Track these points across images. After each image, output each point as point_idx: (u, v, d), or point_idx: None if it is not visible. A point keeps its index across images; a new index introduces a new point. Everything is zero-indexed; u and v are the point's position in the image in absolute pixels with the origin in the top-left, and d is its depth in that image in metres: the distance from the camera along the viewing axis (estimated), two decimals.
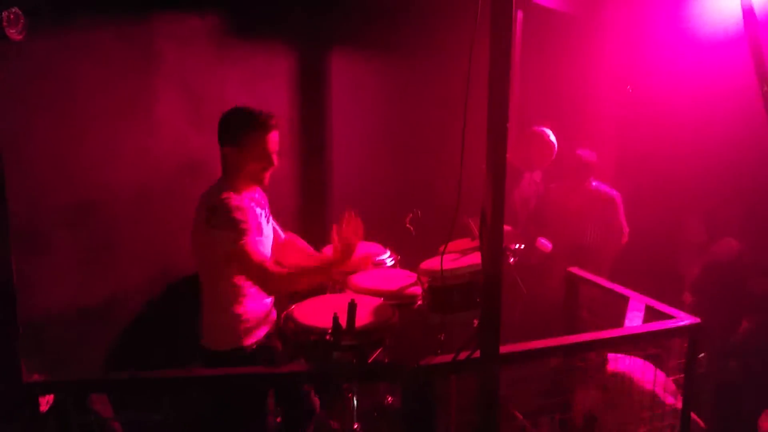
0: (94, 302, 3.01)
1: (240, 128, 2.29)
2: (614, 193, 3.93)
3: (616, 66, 5.27)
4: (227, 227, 2.15)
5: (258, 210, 2.39)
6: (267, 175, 2.36)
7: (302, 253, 2.67)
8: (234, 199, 2.23)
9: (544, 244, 3.53)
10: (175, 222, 3.27)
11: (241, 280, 2.27)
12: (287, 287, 2.30)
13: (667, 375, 2.28)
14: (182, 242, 3.29)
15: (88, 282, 3.00)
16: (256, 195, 2.45)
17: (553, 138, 3.90)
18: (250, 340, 2.32)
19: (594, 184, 3.91)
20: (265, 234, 2.38)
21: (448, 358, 1.85)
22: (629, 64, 5.22)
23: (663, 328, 2.20)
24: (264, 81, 3.69)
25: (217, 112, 3.22)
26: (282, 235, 2.68)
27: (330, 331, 1.90)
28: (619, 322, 2.39)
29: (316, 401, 2.58)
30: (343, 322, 1.90)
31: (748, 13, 1.09)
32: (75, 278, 2.94)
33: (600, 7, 5.08)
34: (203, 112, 3.37)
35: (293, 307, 2.33)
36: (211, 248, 2.20)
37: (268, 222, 2.46)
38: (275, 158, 2.34)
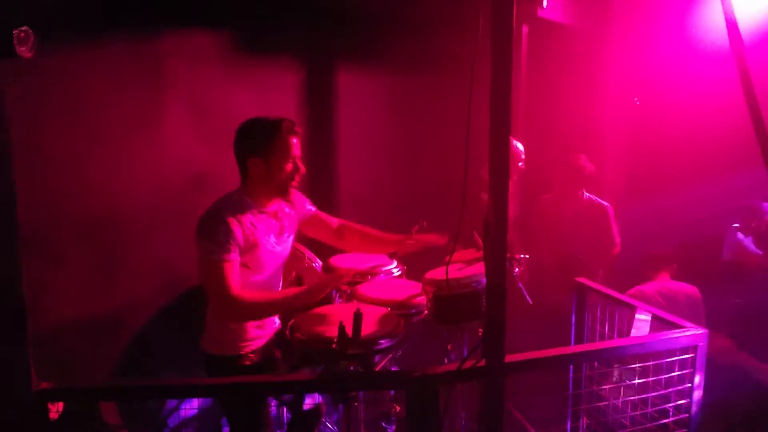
0: (104, 312, 3.05)
1: (266, 137, 2.24)
2: (606, 204, 3.96)
3: (622, 79, 5.28)
4: (208, 239, 2.13)
5: (271, 223, 2.35)
6: (295, 184, 2.32)
7: (362, 234, 2.69)
8: (226, 213, 2.19)
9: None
10: (183, 235, 3.30)
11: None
12: (249, 316, 2.24)
13: (672, 384, 2.26)
14: (190, 254, 3.33)
15: (98, 293, 3.04)
16: (275, 207, 2.40)
17: (519, 146, 3.91)
18: (247, 349, 2.32)
19: (586, 195, 3.95)
20: (271, 249, 2.34)
21: (453, 366, 1.85)
22: (636, 76, 5.23)
23: (670, 337, 2.20)
24: (272, 95, 3.74)
25: (225, 127, 3.26)
26: (333, 222, 2.69)
27: (336, 339, 1.91)
28: (623, 333, 2.39)
29: (322, 410, 2.58)
30: (349, 331, 1.91)
31: (731, 25, 1.10)
32: (85, 289, 2.97)
33: (606, 21, 5.11)
34: (211, 127, 3.42)
35: (299, 316, 2.34)
36: (199, 261, 2.19)
37: (282, 236, 2.41)
38: (301, 164, 2.30)
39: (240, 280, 2.17)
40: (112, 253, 3.09)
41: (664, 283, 3.66)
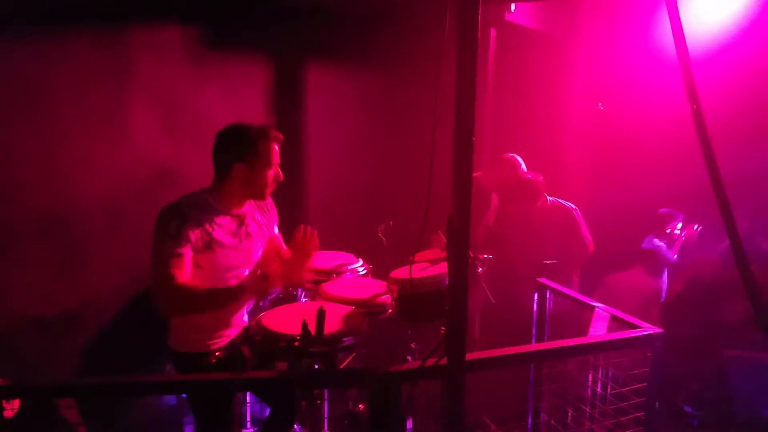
0: (65, 309, 3.00)
1: (251, 143, 2.24)
2: (571, 206, 3.99)
3: (587, 84, 5.40)
4: (162, 231, 2.12)
5: (233, 227, 2.32)
6: (268, 191, 2.32)
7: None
8: (184, 209, 2.17)
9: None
10: (146, 231, 3.26)
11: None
12: (187, 306, 2.17)
13: (630, 383, 2.33)
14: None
15: (59, 289, 2.98)
16: (242, 211, 2.37)
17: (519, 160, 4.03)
18: (214, 346, 2.31)
19: (550, 199, 3.98)
20: (227, 252, 2.28)
21: (415, 364, 1.87)
22: (600, 82, 5.35)
23: (626, 336, 2.26)
24: (240, 91, 3.72)
25: (193, 122, 3.23)
26: (284, 248, 2.61)
27: (298, 337, 1.92)
28: (585, 332, 2.44)
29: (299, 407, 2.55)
30: (312, 329, 1.92)
31: (677, 30, 1.14)
32: (46, 285, 2.92)
33: (572, 27, 5.21)
34: (178, 123, 3.38)
35: (262, 314, 2.34)
36: (151, 250, 2.17)
37: (244, 240, 2.37)
38: (280, 171, 2.32)
39: (189, 276, 2.14)
40: (74, 250, 3.03)
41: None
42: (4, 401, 1.67)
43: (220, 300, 2.21)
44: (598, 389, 2.42)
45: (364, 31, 4.15)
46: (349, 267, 2.96)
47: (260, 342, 2.15)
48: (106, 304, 3.20)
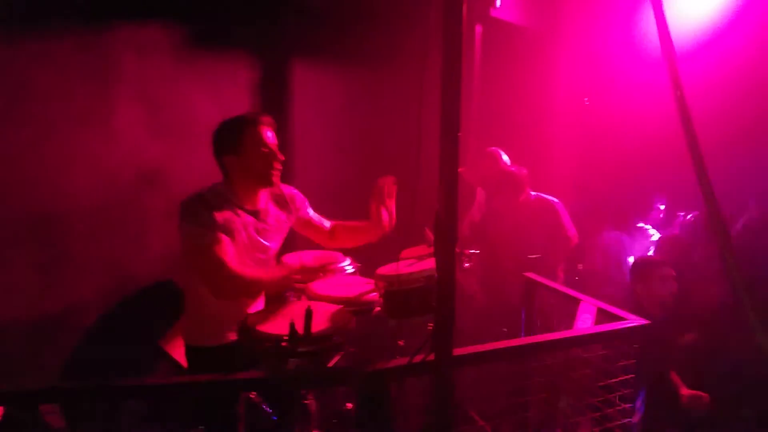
0: (50, 313, 2.97)
1: (233, 133, 2.28)
2: (554, 200, 4.02)
3: (573, 78, 5.42)
4: (194, 223, 2.15)
5: (249, 221, 2.35)
6: (276, 173, 2.33)
7: (353, 229, 2.74)
8: (208, 197, 2.23)
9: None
10: (132, 232, 3.24)
11: None
12: (242, 290, 2.28)
13: (617, 375, 2.34)
14: (139, 252, 3.27)
15: (44, 293, 2.95)
16: (259, 207, 2.40)
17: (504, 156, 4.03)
18: (233, 336, 2.35)
19: (533, 194, 3.99)
20: (242, 247, 2.33)
21: (403, 361, 1.87)
22: (586, 76, 5.37)
23: (612, 329, 2.27)
24: (225, 90, 3.70)
25: (178, 121, 3.20)
26: (326, 224, 2.74)
27: (286, 337, 1.91)
28: (572, 324, 2.45)
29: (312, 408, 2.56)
30: (300, 328, 1.91)
31: (661, 23, 1.15)
32: (30, 289, 2.89)
33: (558, 22, 5.23)
34: (164, 121, 3.36)
35: (248, 315, 2.32)
36: (184, 246, 2.21)
37: (260, 236, 2.40)
38: (277, 153, 2.32)
39: (235, 257, 2.20)
40: (58, 252, 3.00)
41: None
42: None
43: (266, 286, 2.30)
44: (586, 382, 2.43)
45: (350, 29, 4.14)
46: (337, 266, 2.94)
47: (247, 343, 2.13)
48: (90, 307, 3.17)
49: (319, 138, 4.27)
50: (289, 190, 2.58)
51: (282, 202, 2.52)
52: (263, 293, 2.53)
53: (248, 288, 2.24)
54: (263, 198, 2.41)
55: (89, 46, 3.07)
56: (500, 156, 4.10)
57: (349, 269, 2.99)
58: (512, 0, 4.61)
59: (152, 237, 3.29)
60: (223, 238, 2.18)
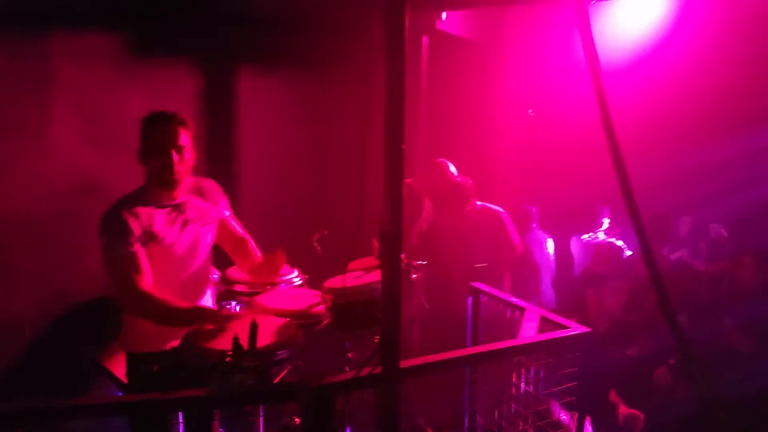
0: None
1: (141, 133, 2.27)
2: (499, 210, 4.10)
3: (518, 90, 5.56)
4: (107, 234, 2.16)
5: (173, 216, 2.32)
6: (170, 176, 2.25)
7: (250, 257, 2.66)
8: (121, 207, 2.20)
9: None
10: (69, 244, 3.12)
11: None
12: (147, 311, 2.20)
13: (560, 383, 2.39)
14: (77, 265, 3.15)
15: None
16: (179, 201, 2.36)
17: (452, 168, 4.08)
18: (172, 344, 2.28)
19: (479, 204, 4.06)
20: (172, 241, 2.30)
21: (350, 375, 1.86)
22: (529, 88, 5.52)
23: (556, 337, 2.33)
24: (168, 99, 3.60)
25: (117, 131, 3.09)
26: (239, 231, 2.64)
27: (230, 352, 1.87)
28: (516, 333, 2.50)
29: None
30: (245, 343, 1.87)
31: (586, 38, 1.19)
32: None
33: (501, 35, 5.36)
34: (102, 132, 3.26)
35: (191, 330, 2.26)
36: (102, 256, 2.19)
37: (188, 227, 2.37)
38: (173, 153, 2.23)
39: (148, 271, 2.19)
40: None
41: None
42: None
43: (175, 318, 2.20)
44: (531, 390, 2.47)
45: (295, 38, 4.12)
46: (284, 278, 2.91)
47: (190, 360, 2.08)
48: (26, 321, 3.03)
49: (265, 148, 4.22)
50: (209, 183, 2.52)
51: (201, 193, 2.47)
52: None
53: (157, 310, 2.17)
54: (182, 192, 2.36)
55: (25, 53, 2.96)
56: (447, 167, 4.16)
57: (297, 281, 2.96)
58: (458, 13, 4.69)
59: (90, 249, 3.17)
60: (136, 249, 2.16)
